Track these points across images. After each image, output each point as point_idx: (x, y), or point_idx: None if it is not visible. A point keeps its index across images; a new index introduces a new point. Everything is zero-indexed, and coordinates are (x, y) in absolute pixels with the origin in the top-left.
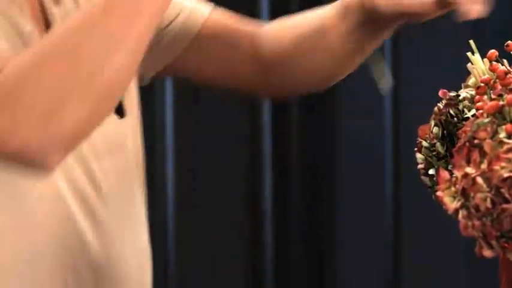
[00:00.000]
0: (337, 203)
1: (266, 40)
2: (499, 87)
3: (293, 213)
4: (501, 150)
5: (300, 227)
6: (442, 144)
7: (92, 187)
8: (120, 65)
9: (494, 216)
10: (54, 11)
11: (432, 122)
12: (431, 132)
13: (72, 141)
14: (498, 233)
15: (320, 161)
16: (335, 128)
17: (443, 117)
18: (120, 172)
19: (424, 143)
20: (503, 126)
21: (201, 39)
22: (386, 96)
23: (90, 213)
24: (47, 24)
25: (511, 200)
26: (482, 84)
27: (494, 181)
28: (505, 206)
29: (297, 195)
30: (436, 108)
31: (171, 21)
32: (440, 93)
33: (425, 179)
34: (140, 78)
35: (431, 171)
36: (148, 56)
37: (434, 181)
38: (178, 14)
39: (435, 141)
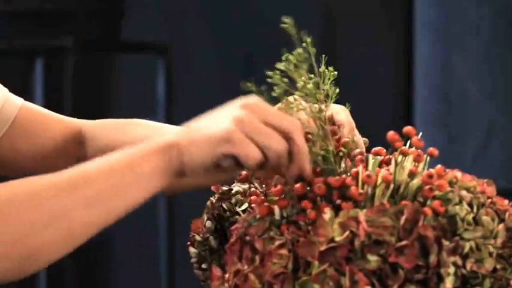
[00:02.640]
0: None
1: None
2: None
3: None
4: (273, 246)
5: None
6: (215, 238)
7: None
8: (54, 241)
9: None
10: None
11: (205, 216)
12: (204, 226)
13: None
14: None
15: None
16: None
17: (216, 211)
18: None
19: (197, 237)
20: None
21: (16, 128)
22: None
23: None
24: None
25: None
26: None
27: (267, 277)
28: None
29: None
30: (208, 203)
31: None
32: (212, 187)
33: (199, 273)
34: None
35: (204, 265)
36: None
37: (208, 275)
38: None
39: (208, 235)
